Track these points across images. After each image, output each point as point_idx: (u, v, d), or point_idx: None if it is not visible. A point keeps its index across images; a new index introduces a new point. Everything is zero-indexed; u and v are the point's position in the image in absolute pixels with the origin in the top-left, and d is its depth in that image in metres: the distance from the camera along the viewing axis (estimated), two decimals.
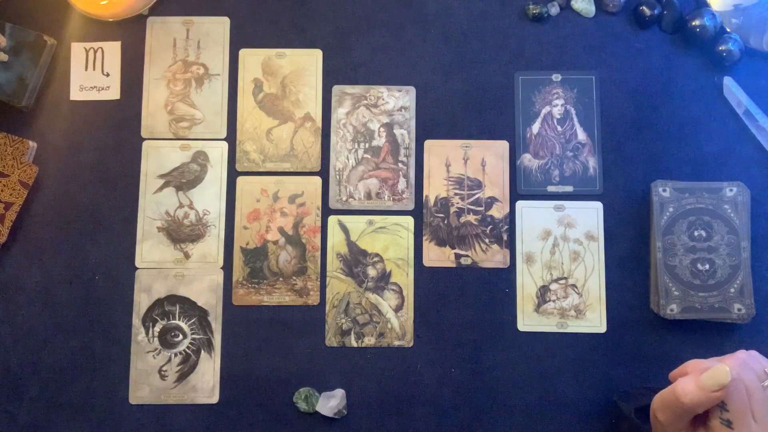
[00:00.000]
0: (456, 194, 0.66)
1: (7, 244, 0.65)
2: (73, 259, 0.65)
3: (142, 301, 0.65)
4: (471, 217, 0.66)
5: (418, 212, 0.66)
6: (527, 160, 0.67)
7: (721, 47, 0.66)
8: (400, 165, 0.67)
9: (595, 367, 0.64)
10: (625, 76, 0.67)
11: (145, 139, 0.67)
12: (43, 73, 0.66)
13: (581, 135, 0.67)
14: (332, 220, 0.66)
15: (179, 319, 0.65)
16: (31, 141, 0.66)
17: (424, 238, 0.66)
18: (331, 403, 0.62)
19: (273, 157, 0.67)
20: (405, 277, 0.65)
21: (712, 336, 0.64)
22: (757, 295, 0.62)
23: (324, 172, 0.67)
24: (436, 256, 0.65)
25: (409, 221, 0.66)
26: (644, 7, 0.67)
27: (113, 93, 0.68)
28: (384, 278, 0.65)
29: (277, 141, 0.67)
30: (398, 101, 0.67)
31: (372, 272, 0.65)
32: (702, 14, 0.66)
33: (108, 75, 0.68)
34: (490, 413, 0.63)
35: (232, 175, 0.67)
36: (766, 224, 0.65)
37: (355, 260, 0.65)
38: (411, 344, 0.64)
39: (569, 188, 0.66)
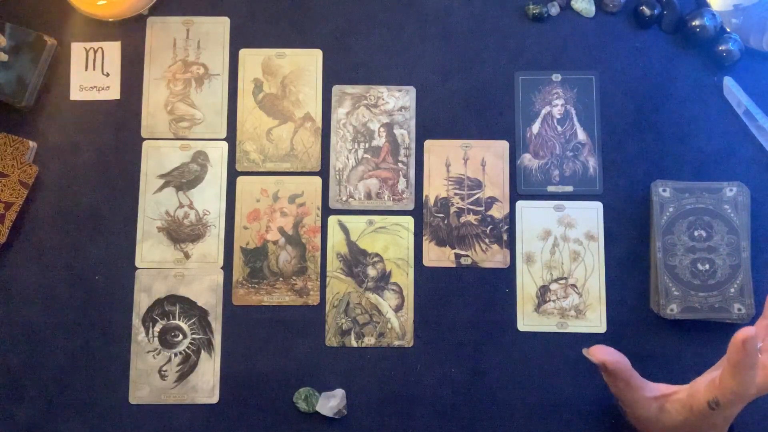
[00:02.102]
0: (456, 194, 0.66)
1: (7, 244, 0.65)
2: (73, 259, 0.65)
3: (142, 301, 0.65)
4: (471, 217, 0.66)
5: (418, 212, 0.66)
6: (527, 160, 0.67)
7: (721, 47, 0.66)
8: (400, 165, 0.67)
9: (595, 367, 0.64)
10: (625, 76, 0.67)
11: (145, 139, 0.67)
12: (43, 73, 0.66)
13: (581, 135, 0.67)
14: (332, 220, 0.66)
15: (179, 319, 0.65)
16: (31, 141, 0.66)
17: (424, 238, 0.66)
18: (331, 403, 0.62)
19: (273, 157, 0.67)
20: (405, 277, 0.65)
21: (712, 336, 0.64)
22: (757, 295, 0.62)
23: (324, 172, 0.67)
24: (436, 256, 0.65)
25: (409, 221, 0.66)
26: (644, 7, 0.67)
27: (113, 93, 0.68)
28: (384, 278, 0.65)
29: (277, 141, 0.67)
30: (398, 101, 0.67)
31: (372, 272, 0.65)
32: (702, 14, 0.66)
33: (108, 75, 0.68)
34: (490, 413, 0.63)
35: (232, 175, 0.67)
36: (766, 224, 0.65)
37: (355, 260, 0.65)
38: (411, 344, 0.64)
39: (569, 188, 0.66)
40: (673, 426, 0.50)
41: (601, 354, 0.51)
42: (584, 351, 0.51)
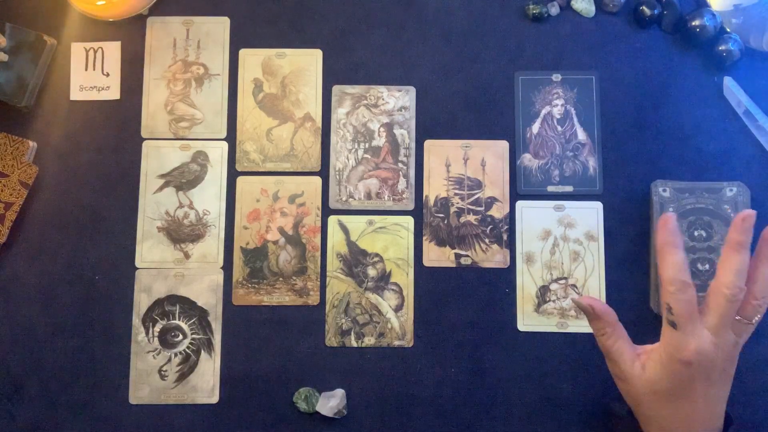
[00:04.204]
0: (456, 194, 0.66)
1: (7, 244, 0.65)
2: (73, 259, 0.65)
3: (142, 301, 0.65)
4: (471, 217, 0.66)
5: (418, 212, 0.66)
6: (527, 160, 0.67)
7: (721, 47, 0.66)
8: (400, 165, 0.67)
9: (595, 367, 0.64)
10: (625, 76, 0.67)
11: (145, 139, 0.67)
12: (43, 73, 0.66)
13: (581, 135, 0.67)
14: (332, 220, 0.66)
15: (179, 319, 0.65)
16: (31, 141, 0.66)
17: (424, 238, 0.66)
18: (331, 403, 0.62)
19: (273, 157, 0.67)
20: (405, 277, 0.65)
21: None
22: None
23: (324, 172, 0.67)
24: (436, 256, 0.65)
25: (409, 221, 0.66)
26: (644, 7, 0.67)
27: (113, 93, 0.68)
28: (384, 278, 0.65)
29: (277, 141, 0.67)
30: (398, 101, 0.67)
31: (372, 272, 0.65)
32: (702, 14, 0.66)
33: (108, 75, 0.68)
34: (490, 413, 0.63)
35: (232, 175, 0.67)
36: (766, 224, 0.65)
37: (355, 260, 0.65)
38: (411, 344, 0.64)
39: (569, 188, 0.66)
40: (654, 384, 0.51)
41: (588, 299, 0.53)
42: (573, 299, 0.53)
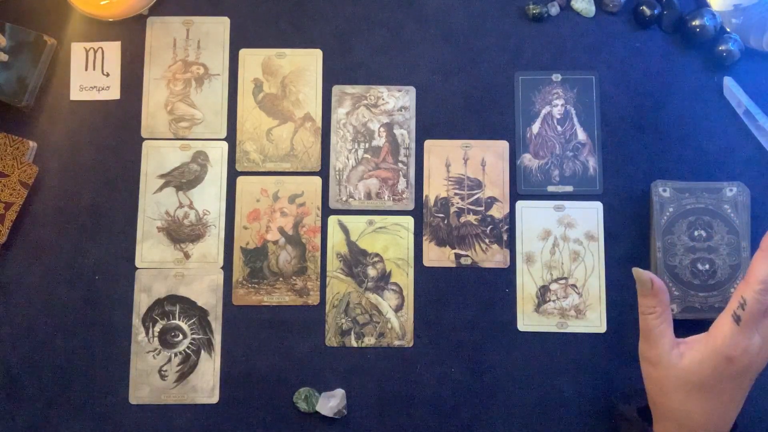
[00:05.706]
0: (456, 194, 0.66)
1: (7, 244, 0.65)
2: (73, 259, 0.65)
3: (142, 301, 0.65)
4: (471, 217, 0.66)
5: (418, 212, 0.66)
6: (527, 160, 0.67)
7: (721, 47, 0.66)
8: (400, 165, 0.67)
9: (595, 367, 0.64)
10: (625, 76, 0.67)
11: (145, 139, 0.67)
12: (43, 73, 0.66)
13: (581, 135, 0.67)
14: (332, 220, 0.66)
15: (179, 319, 0.65)
16: (31, 141, 0.66)
17: (424, 238, 0.66)
18: (331, 403, 0.62)
19: (273, 157, 0.67)
20: (405, 277, 0.65)
21: None
22: None
23: (324, 172, 0.67)
24: (436, 256, 0.65)
25: (409, 221, 0.66)
26: (644, 7, 0.67)
27: (113, 93, 0.68)
28: (384, 278, 0.65)
29: (277, 141, 0.67)
30: (398, 101, 0.67)
31: (372, 272, 0.65)
32: (702, 14, 0.66)
33: (108, 75, 0.68)
34: (490, 413, 0.63)
35: (232, 175, 0.67)
36: (766, 224, 0.65)
37: (355, 260, 0.65)
38: (411, 344, 0.64)
39: (569, 188, 0.66)
40: (689, 374, 0.50)
41: (650, 273, 0.53)
42: (634, 270, 0.53)
